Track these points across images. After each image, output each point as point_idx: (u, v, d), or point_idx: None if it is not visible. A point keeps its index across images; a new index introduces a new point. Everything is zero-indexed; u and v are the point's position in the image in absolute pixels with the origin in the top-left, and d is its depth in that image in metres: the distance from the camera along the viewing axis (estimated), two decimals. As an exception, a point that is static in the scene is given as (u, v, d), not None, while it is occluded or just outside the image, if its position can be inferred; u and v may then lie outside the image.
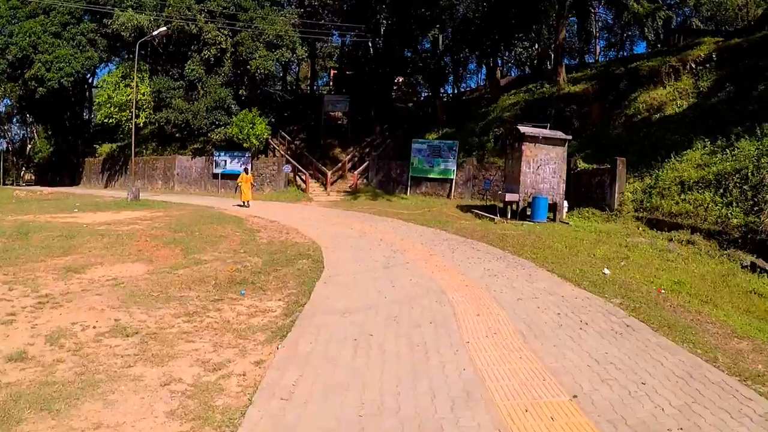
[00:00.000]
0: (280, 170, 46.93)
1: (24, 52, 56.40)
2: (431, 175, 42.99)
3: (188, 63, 50.18)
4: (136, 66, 44.07)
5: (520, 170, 29.62)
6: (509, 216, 29.69)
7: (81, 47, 57.39)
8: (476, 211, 32.96)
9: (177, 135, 57.54)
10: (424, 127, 52.69)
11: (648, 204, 27.69)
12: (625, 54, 62.63)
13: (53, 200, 40.99)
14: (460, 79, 75.03)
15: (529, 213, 29.43)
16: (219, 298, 12.97)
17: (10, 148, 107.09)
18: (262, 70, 47.64)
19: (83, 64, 57.17)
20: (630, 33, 65.87)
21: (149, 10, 50.71)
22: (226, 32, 49.46)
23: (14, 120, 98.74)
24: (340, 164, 49.86)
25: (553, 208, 29.34)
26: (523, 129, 30.07)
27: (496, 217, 29.52)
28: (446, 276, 15.81)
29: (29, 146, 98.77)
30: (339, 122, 60.91)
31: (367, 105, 58.05)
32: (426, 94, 69.92)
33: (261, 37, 47.47)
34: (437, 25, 49.76)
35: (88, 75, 66.98)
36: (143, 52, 54.70)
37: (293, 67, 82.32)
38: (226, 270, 15.79)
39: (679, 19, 56.52)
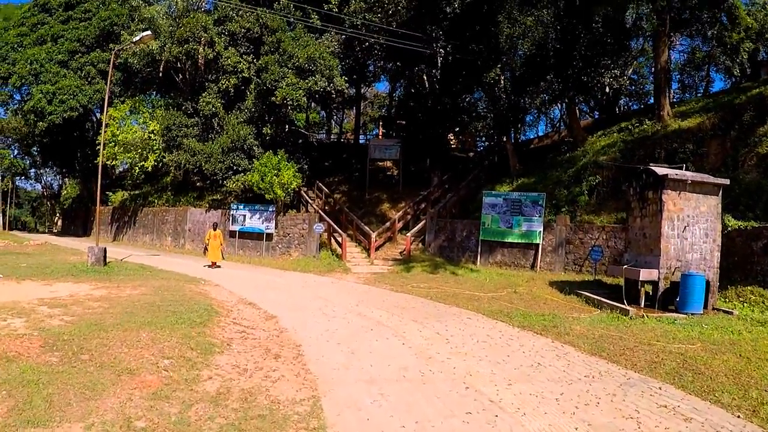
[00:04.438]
0: (312, 230, 34.82)
1: (23, 81, 48.25)
2: (509, 239, 30.78)
3: (203, 95, 39.03)
4: (108, 86, 32.18)
5: (660, 232, 19.05)
6: (642, 302, 18.85)
7: (89, 78, 47.79)
8: (584, 293, 21.42)
9: (198, 184, 46.89)
10: (492, 178, 41.10)
11: None
12: (698, 94, 51.39)
13: (18, 255, 33.03)
14: (519, 130, 63.42)
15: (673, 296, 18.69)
16: None
17: (45, 193, 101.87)
18: (290, 101, 35.61)
19: (90, 97, 47.32)
20: (701, 73, 55.84)
21: (164, 35, 39.93)
22: (249, 58, 38.73)
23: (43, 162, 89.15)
24: (388, 223, 37.87)
25: (706, 289, 18.20)
26: (661, 171, 19.48)
27: (630, 308, 17.85)
28: None
29: (64, 191, 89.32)
30: (388, 172, 50.35)
31: (422, 152, 46.68)
32: (484, 144, 58.20)
33: (290, 62, 36.04)
34: (498, 65, 38.14)
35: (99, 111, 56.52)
36: (154, 83, 45.10)
37: (337, 114, 72.59)
38: None
39: (763, 54, 46.37)
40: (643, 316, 17.23)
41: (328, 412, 8.76)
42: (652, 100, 49.92)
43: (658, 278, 18.62)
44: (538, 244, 29.42)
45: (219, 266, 30.90)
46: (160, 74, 42.95)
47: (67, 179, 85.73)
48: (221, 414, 8.39)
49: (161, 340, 12.20)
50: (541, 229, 29.39)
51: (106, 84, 47.03)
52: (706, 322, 16.23)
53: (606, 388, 10.38)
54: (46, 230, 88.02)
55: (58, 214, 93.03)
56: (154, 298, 17.60)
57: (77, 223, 64.21)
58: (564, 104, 46.39)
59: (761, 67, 45.02)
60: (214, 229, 32.10)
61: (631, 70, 48.63)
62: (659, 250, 18.74)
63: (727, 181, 19.93)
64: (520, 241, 30.12)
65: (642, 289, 18.97)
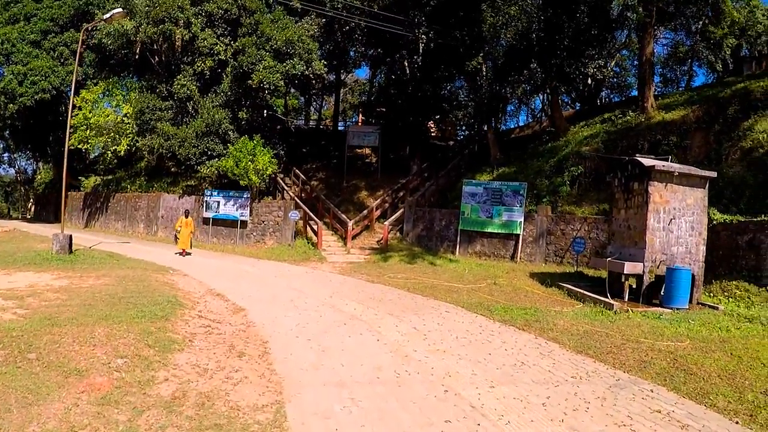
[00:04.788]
0: (287, 217, 33.84)
1: (-7, 60, 45.99)
2: (489, 229, 29.96)
3: (178, 78, 37.61)
4: (76, 66, 31.09)
5: (645, 225, 18.37)
6: (626, 296, 18.37)
7: (62, 59, 46.37)
8: (566, 285, 20.71)
9: (173, 169, 45.55)
10: (473, 167, 40.29)
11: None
12: (679, 88, 50.84)
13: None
14: (500, 120, 62.49)
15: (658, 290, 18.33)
16: None
17: (19, 178, 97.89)
18: (267, 85, 34.42)
19: (63, 79, 45.80)
20: (683, 67, 54.97)
21: (140, 15, 38.43)
22: (226, 40, 37.34)
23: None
24: (366, 211, 36.91)
25: (692, 283, 17.57)
26: (647, 162, 18.72)
27: (614, 302, 17.21)
28: None
29: (38, 175, 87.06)
30: (367, 160, 49.16)
31: (401, 139, 45.74)
32: (464, 133, 57.55)
33: (268, 44, 34.89)
34: (481, 54, 37.84)
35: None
36: (129, 66, 43.98)
37: (317, 100, 71.46)
38: None
39: (746, 50, 45.88)
40: (628, 310, 16.63)
41: (293, 421, 7.89)
42: (634, 93, 49.66)
43: (643, 271, 17.97)
44: (518, 235, 28.69)
45: (189, 254, 30.25)
46: (136, 56, 41.52)
47: (41, 164, 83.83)
48: (174, 422, 7.51)
49: (117, 336, 11.22)
50: (522, 220, 28.66)
51: (80, 65, 46.10)
52: (692, 318, 15.70)
53: (595, 391, 9.66)
54: (20, 216, 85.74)
55: (32, 200, 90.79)
56: (117, 289, 16.55)
57: (49, 209, 62.13)
58: (546, 94, 45.89)
59: (744, 63, 44.66)
60: (186, 216, 31.30)
61: (614, 62, 48.07)
62: (644, 242, 18.09)
63: (714, 174, 19.40)
64: (500, 231, 29.37)
65: (626, 282, 18.38)
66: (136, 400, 8.26)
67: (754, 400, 9.32)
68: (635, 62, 51.91)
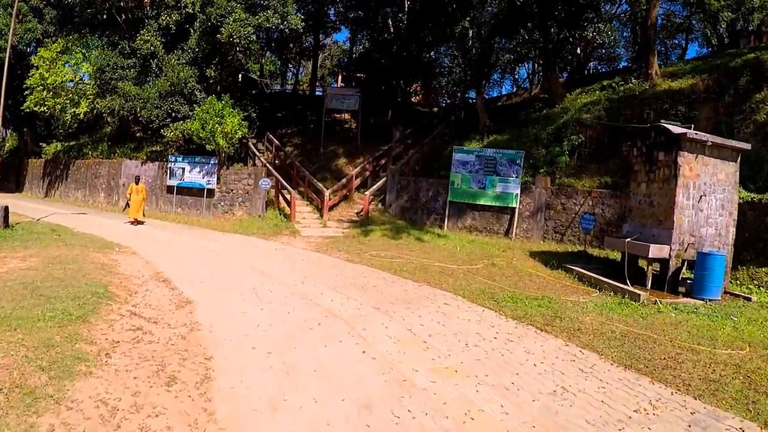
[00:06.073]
0: (258, 185, 30.70)
1: (-57, 17, 42.88)
2: (482, 201, 26.92)
3: (142, 33, 33.96)
4: (13, 21, 27.89)
5: (673, 202, 15.84)
6: (649, 283, 15.68)
7: (21, 17, 42.60)
8: (575, 268, 17.83)
9: (138, 134, 42.10)
10: (460, 135, 37.14)
11: None
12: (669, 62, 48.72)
13: None
14: (485, 87, 59.80)
15: (686, 278, 15.84)
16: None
17: None
18: (237, 39, 30.83)
19: (21, 37, 42.19)
20: (674, 41, 54.50)
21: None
22: (195, -8, 33.62)
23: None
24: (344, 180, 33.78)
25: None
26: (676, 129, 15.97)
27: (641, 291, 14.59)
28: None
29: (7, 142, 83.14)
30: (346, 125, 45.99)
31: (383, 104, 42.49)
32: (447, 102, 55.07)
33: (240, -5, 31.48)
34: (467, 18, 35.34)
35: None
36: (95, 24, 40.49)
37: (294, 65, 68.61)
38: None
39: (740, 24, 43.78)
40: (656, 301, 13.93)
41: None
42: (623, 64, 47.66)
43: (670, 255, 15.28)
44: (514, 208, 25.70)
45: (142, 223, 28.75)
46: (104, 15, 38.03)
47: (8, 130, 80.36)
48: None
49: (1, 351, 7.73)
50: (518, 192, 25.66)
51: (39, 23, 42.75)
52: (732, 313, 13.38)
53: (674, 436, 6.70)
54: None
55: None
56: (37, 275, 13.00)
57: (12, 177, 57.97)
58: (534, 62, 43.62)
59: (740, 37, 42.68)
60: (137, 183, 29.16)
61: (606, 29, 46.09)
62: (671, 222, 15.48)
63: (748, 146, 16.76)
64: (493, 203, 26.33)
65: (650, 267, 15.65)
66: None
67: None
68: (625, 33, 50.24)
